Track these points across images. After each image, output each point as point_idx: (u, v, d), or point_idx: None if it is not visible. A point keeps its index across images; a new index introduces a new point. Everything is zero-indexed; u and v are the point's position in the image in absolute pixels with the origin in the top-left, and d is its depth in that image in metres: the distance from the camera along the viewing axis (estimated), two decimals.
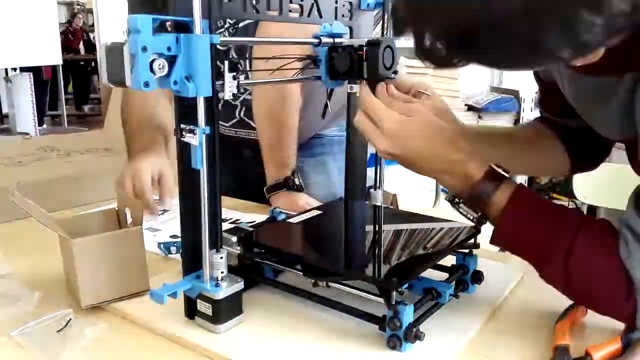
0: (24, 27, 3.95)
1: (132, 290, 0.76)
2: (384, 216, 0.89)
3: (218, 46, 0.62)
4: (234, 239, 0.78)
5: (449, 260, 0.78)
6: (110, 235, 0.76)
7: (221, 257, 0.67)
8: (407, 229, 0.87)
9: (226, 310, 0.68)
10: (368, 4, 0.85)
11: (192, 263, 0.68)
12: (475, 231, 0.78)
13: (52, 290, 0.79)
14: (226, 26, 1.23)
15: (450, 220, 0.84)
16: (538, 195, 0.72)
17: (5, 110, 5.85)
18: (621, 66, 0.61)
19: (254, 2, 0.68)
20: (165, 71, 0.59)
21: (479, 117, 3.03)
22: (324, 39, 0.77)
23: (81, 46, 8.18)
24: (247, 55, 1.20)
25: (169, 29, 0.60)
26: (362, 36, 0.85)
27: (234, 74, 0.65)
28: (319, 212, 0.87)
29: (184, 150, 0.64)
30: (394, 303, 0.63)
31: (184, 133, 0.63)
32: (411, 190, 2.82)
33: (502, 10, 0.47)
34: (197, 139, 0.61)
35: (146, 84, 0.58)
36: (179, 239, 0.72)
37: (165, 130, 1.20)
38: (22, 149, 1.43)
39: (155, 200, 1.06)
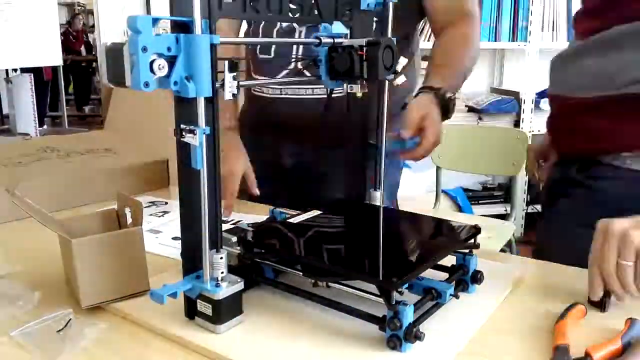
0: (24, 28, 3.95)
1: (132, 290, 0.76)
2: (384, 216, 0.89)
3: None
4: (234, 239, 0.79)
5: (449, 260, 0.78)
6: (110, 235, 0.76)
7: (221, 257, 0.67)
8: (407, 229, 0.87)
9: (226, 310, 0.68)
10: (368, 4, 0.85)
11: (192, 263, 0.68)
12: (475, 231, 0.78)
13: (52, 290, 0.79)
14: None
15: (450, 220, 0.84)
16: None
17: (5, 111, 5.85)
18: None
19: (254, 2, 0.68)
20: (165, 71, 0.59)
21: (479, 119, 3.03)
22: (324, 39, 0.77)
23: (82, 47, 8.20)
24: None
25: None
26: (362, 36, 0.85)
27: (234, 74, 0.65)
28: (319, 212, 0.87)
29: (184, 150, 0.64)
30: (394, 303, 0.63)
31: (184, 133, 0.63)
32: (411, 191, 2.82)
33: None
34: (197, 139, 0.61)
35: (146, 84, 0.58)
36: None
37: None
38: (23, 150, 1.43)
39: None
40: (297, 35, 1.17)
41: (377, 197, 0.92)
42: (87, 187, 1.23)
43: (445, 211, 2.68)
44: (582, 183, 0.95)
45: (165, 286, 0.66)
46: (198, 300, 0.68)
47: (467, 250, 0.78)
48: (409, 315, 0.63)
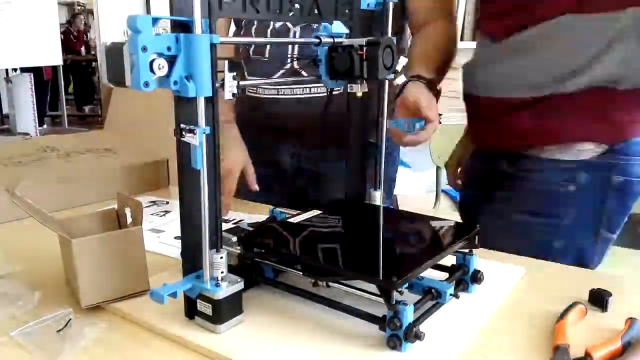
0: (24, 28, 3.95)
1: (132, 290, 0.76)
2: (383, 216, 0.89)
3: None
4: (234, 239, 0.79)
5: (449, 260, 0.78)
6: (110, 235, 0.76)
7: (221, 257, 0.67)
8: (407, 229, 0.87)
9: (226, 310, 0.68)
10: (368, 4, 0.85)
11: (192, 263, 0.68)
12: (475, 231, 0.78)
13: (52, 290, 0.79)
14: None
15: (451, 220, 0.84)
16: None
17: (5, 111, 5.86)
18: None
19: (254, 2, 0.68)
20: (165, 71, 0.59)
21: None
22: (324, 39, 0.77)
23: (82, 47, 8.20)
24: None
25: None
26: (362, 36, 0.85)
27: (234, 74, 0.65)
28: (319, 212, 0.87)
29: (184, 150, 0.64)
30: (394, 303, 0.63)
31: (184, 133, 0.63)
32: (411, 191, 2.82)
33: None
34: (197, 139, 0.61)
35: (146, 84, 0.58)
36: None
37: None
38: (22, 149, 1.42)
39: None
40: (291, 34, 1.16)
41: (377, 197, 0.92)
42: (87, 187, 1.23)
43: (445, 211, 2.67)
44: (512, 175, 1.06)
45: (165, 286, 0.66)
46: (198, 300, 0.68)
47: (467, 250, 0.78)
48: (409, 315, 0.63)
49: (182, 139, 0.63)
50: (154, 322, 0.70)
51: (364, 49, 0.76)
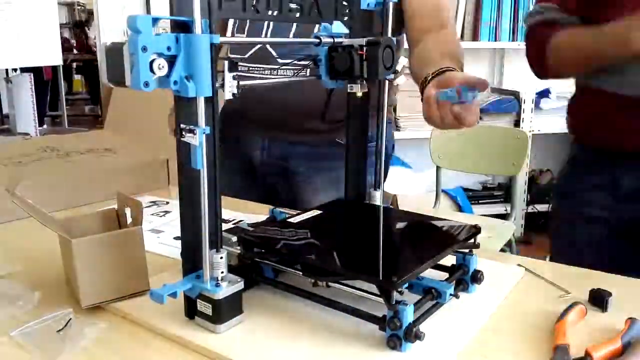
0: (24, 28, 3.95)
1: (132, 290, 0.76)
2: (383, 216, 0.89)
3: None
4: (234, 239, 0.79)
5: (449, 260, 0.78)
6: (110, 235, 0.76)
7: (221, 257, 0.67)
8: (407, 229, 0.87)
9: (226, 310, 0.68)
10: (368, 4, 0.85)
11: (192, 263, 0.68)
12: (475, 231, 0.78)
13: (52, 290, 0.79)
14: None
15: (450, 220, 0.84)
16: None
17: (5, 111, 5.84)
18: None
19: (254, 2, 0.68)
20: (165, 71, 0.59)
21: (480, 118, 3.03)
22: (324, 39, 0.77)
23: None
24: None
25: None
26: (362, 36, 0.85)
27: (234, 74, 0.65)
28: (319, 212, 0.87)
29: (184, 150, 0.64)
30: (394, 303, 0.63)
31: (184, 133, 0.63)
32: (411, 191, 2.82)
33: None
34: (197, 139, 0.61)
35: (146, 84, 0.58)
36: None
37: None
38: (22, 149, 1.42)
39: None
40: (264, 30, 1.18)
41: (377, 197, 0.92)
42: (87, 187, 1.23)
43: (445, 211, 2.68)
44: None
45: (165, 286, 0.66)
46: (198, 300, 0.68)
47: (467, 250, 0.78)
48: (409, 315, 0.63)
49: (182, 139, 0.63)
50: (154, 322, 0.70)
51: (364, 49, 0.76)
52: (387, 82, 0.89)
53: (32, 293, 0.77)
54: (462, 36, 3.00)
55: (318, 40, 0.77)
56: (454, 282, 0.76)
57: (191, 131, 0.62)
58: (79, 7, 8.78)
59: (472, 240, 0.78)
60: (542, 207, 3.18)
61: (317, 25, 1.04)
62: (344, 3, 0.82)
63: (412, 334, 0.62)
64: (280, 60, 1.16)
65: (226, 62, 0.65)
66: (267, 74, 1.18)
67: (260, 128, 1.27)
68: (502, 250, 2.10)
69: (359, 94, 0.81)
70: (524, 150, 2.28)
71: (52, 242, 0.80)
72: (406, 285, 0.69)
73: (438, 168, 2.47)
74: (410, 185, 2.85)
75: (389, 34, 0.85)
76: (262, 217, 1.02)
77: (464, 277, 0.77)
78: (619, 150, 1.05)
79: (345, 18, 0.82)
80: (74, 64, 7.77)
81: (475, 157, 2.39)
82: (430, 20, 1.14)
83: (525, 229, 3.23)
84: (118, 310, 0.74)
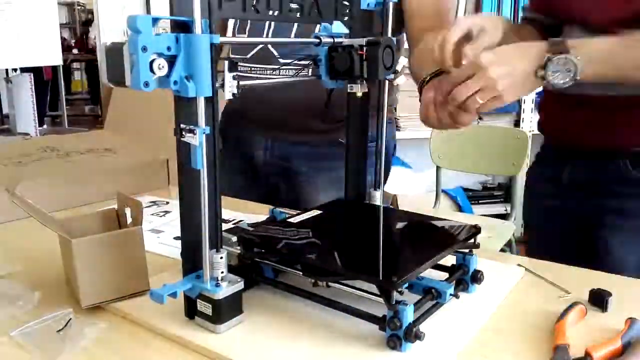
0: (24, 28, 3.95)
1: (132, 290, 0.76)
2: (383, 216, 0.89)
3: None
4: (234, 239, 0.79)
5: (449, 260, 0.78)
6: (110, 235, 0.76)
7: (221, 257, 0.67)
8: (407, 229, 0.87)
9: (226, 310, 0.68)
10: (368, 4, 0.85)
11: (192, 263, 0.68)
12: (475, 231, 0.78)
13: (52, 290, 0.79)
14: None
15: (450, 220, 0.84)
16: None
17: (5, 111, 5.85)
18: None
19: (254, 2, 0.68)
20: (165, 71, 0.59)
21: (479, 118, 3.03)
22: (324, 39, 0.77)
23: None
24: None
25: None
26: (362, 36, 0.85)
27: (234, 74, 0.65)
28: (319, 212, 0.87)
29: (184, 150, 0.64)
30: (394, 303, 0.63)
31: (184, 133, 0.63)
32: (411, 191, 2.82)
33: None
34: (197, 139, 0.61)
35: (146, 84, 0.58)
36: None
37: None
38: (22, 149, 1.42)
39: None
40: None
41: (377, 197, 0.92)
42: (87, 187, 1.23)
43: (445, 211, 2.68)
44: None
45: (165, 286, 0.66)
46: (198, 300, 0.68)
47: (467, 250, 0.78)
48: (409, 315, 0.63)
49: (182, 139, 0.63)
50: (154, 322, 0.70)
51: (364, 49, 0.76)
52: (387, 82, 0.89)
53: (32, 293, 0.77)
54: None
55: (318, 40, 0.77)
56: (454, 282, 0.76)
57: (191, 131, 0.62)
58: (79, 7, 8.78)
59: (472, 240, 0.78)
60: None
61: (317, 25, 1.04)
62: (344, 3, 0.82)
63: (412, 334, 0.62)
64: (281, 60, 1.17)
65: (226, 62, 0.65)
66: (268, 74, 1.18)
67: (261, 128, 1.27)
68: (502, 250, 2.10)
69: (359, 94, 0.81)
70: (524, 150, 2.28)
71: (52, 242, 0.80)
72: (406, 285, 0.69)
73: (438, 168, 2.47)
74: (410, 185, 2.85)
75: (389, 34, 0.85)
76: (262, 217, 1.02)
77: (464, 277, 0.77)
78: (569, 146, 1.06)
79: (345, 18, 0.82)
80: (74, 64, 7.78)
81: (475, 157, 2.39)
82: (430, 20, 1.14)
83: (525, 228, 3.23)
84: (118, 310, 0.74)
